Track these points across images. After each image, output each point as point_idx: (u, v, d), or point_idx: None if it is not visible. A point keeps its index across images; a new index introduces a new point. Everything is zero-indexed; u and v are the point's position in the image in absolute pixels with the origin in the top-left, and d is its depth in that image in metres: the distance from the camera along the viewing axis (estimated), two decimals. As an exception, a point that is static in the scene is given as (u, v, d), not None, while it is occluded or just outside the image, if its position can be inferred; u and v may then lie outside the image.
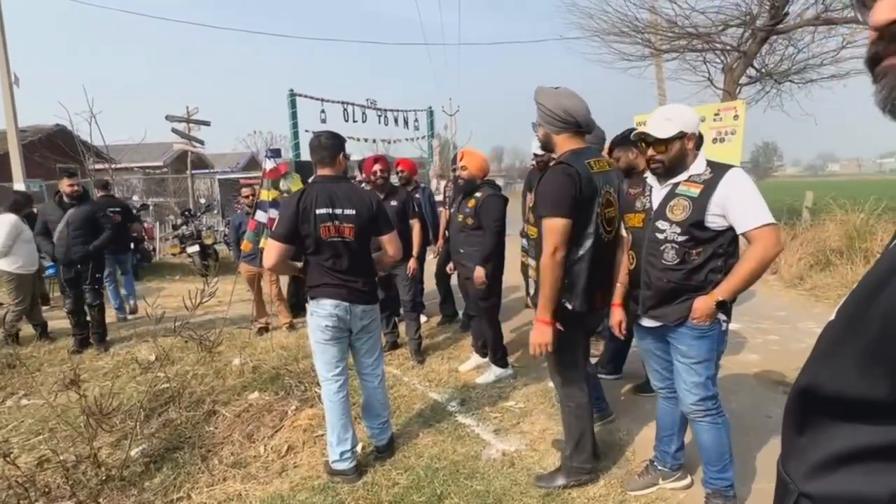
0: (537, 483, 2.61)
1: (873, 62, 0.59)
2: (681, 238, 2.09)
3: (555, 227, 2.17)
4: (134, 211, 10.52)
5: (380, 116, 13.35)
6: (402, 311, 4.65)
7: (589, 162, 2.25)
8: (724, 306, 2.11)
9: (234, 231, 5.64)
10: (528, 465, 2.82)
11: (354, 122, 12.56)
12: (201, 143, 12.83)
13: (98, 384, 4.12)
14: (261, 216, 5.09)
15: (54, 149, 13.06)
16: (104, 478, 2.88)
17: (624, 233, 2.42)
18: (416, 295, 4.67)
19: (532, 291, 2.41)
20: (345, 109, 12.35)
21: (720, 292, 2.06)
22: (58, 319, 5.71)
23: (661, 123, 2.10)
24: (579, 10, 10.43)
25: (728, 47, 9.46)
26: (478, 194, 3.79)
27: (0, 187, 11.37)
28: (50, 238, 4.92)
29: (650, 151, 2.14)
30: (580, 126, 2.27)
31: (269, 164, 5.10)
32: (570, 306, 2.29)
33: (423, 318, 5.37)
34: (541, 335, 2.27)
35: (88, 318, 5.11)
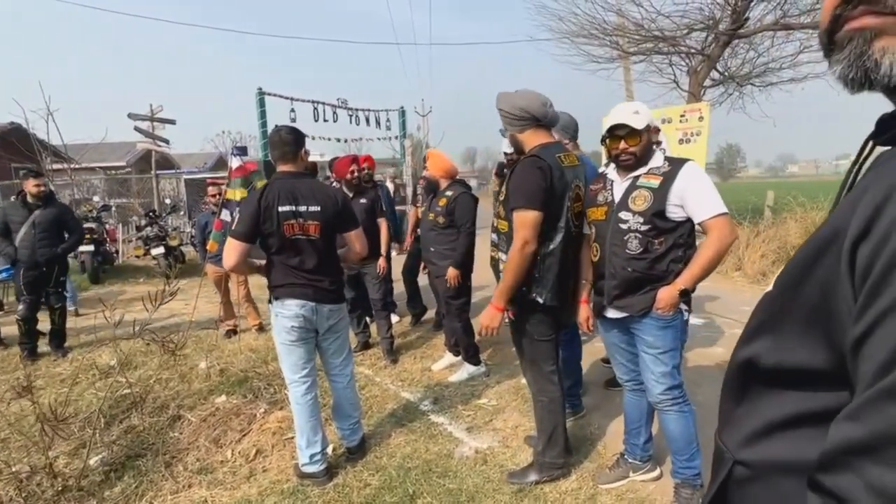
0: (510, 479, 2.61)
1: (831, 32, 0.57)
2: (644, 227, 2.14)
3: (526, 220, 2.21)
4: (94, 212, 10.18)
5: (351, 116, 13.20)
6: (373, 310, 4.60)
7: (559, 156, 2.29)
8: (687, 295, 2.17)
9: (201, 231, 5.49)
10: (501, 461, 2.82)
11: (325, 121, 12.38)
12: (166, 142, 12.46)
13: (55, 391, 3.95)
14: (226, 216, 4.96)
15: (8, 147, 12.49)
16: (60, 488, 2.75)
17: (587, 229, 2.44)
18: (386, 294, 4.63)
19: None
20: (315, 109, 12.17)
21: (682, 281, 2.13)
22: (12, 325, 5.46)
23: (633, 116, 2.13)
24: (549, 12, 10.51)
25: (692, 50, 9.70)
26: (449, 193, 3.78)
27: (-51, 188, 10.82)
28: (10, 239, 4.69)
29: (622, 144, 2.16)
30: (538, 120, 2.33)
31: (235, 163, 4.98)
32: (540, 300, 2.32)
33: (394, 318, 5.33)
34: (490, 319, 2.35)
35: (38, 326, 4.89)
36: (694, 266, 2.12)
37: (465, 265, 3.77)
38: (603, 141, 2.25)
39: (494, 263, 2.52)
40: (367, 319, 4.82)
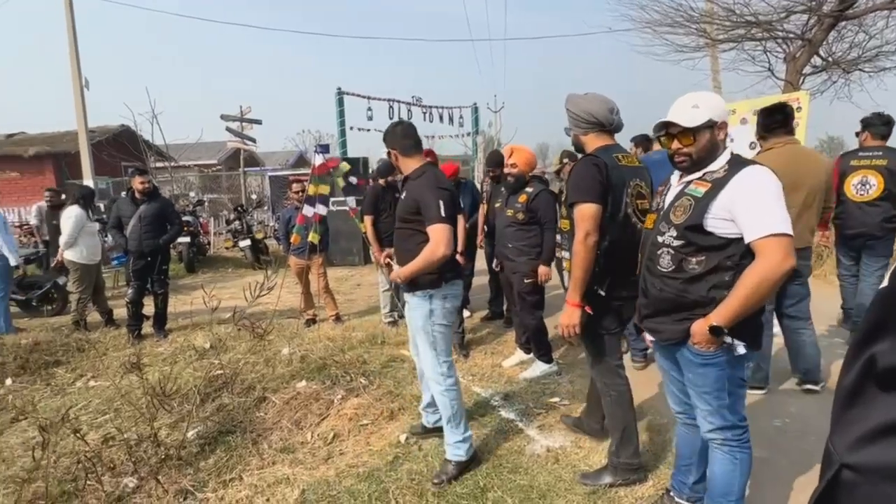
0: (582, 481, 2.56)
1: None
2: (676, 242, 1.86)
3: (586, 213, 2.24)
4: (190, 207, 11.05)
5: (425, 113, 13.45)
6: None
7: (617, 156, 2.35)
8: (719, 334, 1.79)
9: (284, 225, 5.81)
10: (573, 461, 2.77)
11: (400, 119, 12.71)
12: (253, 141, 13.28)
13: (158, 369, 4.33)
14: (309, 211, 5.23)
15: (119, 147, 13.84)
16: (163, 456, 3.03)
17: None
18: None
19: (567, 284, 2.45)
20: (391, 107, 12.52)
21: (715, 315, 1.78)
22: (122, 308, 6.06)
23: (688, 111, 1.86)
24: (630, 1, 10.09)
25: (791, 35, 8.95)
26: (528, 189, 3.74)
27: (72, 183, 12.17)
28: (122, 231, 5.22)
29: (675, 144, 1.89)
30: (604, 126, 2.41)
31: (318, 160, 5.24)
32: (603, 293, 2.35)
33: (466, 314, 5.37)
34: (569, 317, 2.34)
35: (143, 310, 5.39)
36: (731, 298, 1.75)
37: (551, 262, 3.73)
38: (658, 139, 2.00)
39: (558, 262, 2.56)
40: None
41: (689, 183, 1.91)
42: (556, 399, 3.53)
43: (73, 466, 2.98)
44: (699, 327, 1.82)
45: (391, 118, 12.48)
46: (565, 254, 2.47)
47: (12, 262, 5.61)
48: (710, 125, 1.85)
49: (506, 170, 3.85)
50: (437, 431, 3.00)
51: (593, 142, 2.43)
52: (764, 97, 7.90)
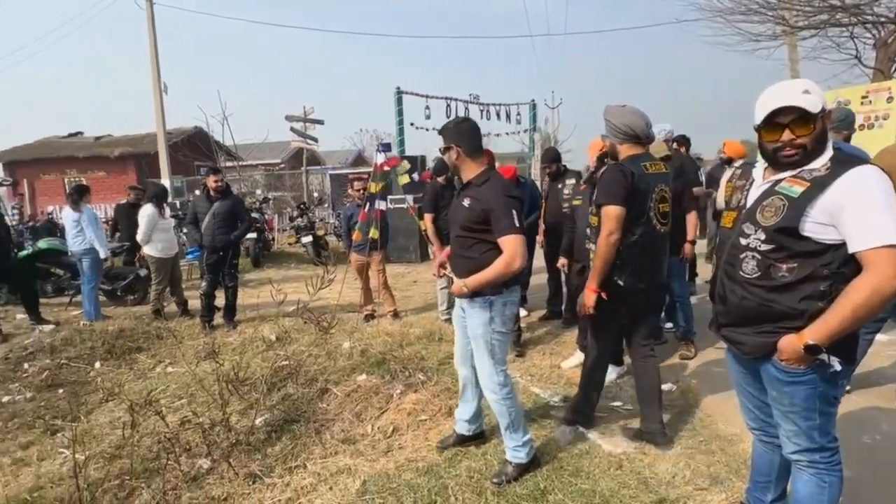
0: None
1: None
2: (764, 246, 1.68)
3: (611, 214, 2.57)
4: (257, 204, 11.57)
5: (482, 111, 13.39)
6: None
7: (644, 164, 2.66)
8: (816, 353, 1.60)
9: (346, 222, 5.96)
10: (638, 468, 2.68)
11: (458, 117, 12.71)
12: (315, 140, 13.72)
13: (228, 358, 4.57)
14: (370, 208, 5.34)
15: (193, 148, 14.70)
16: (234, 441, 3.19)
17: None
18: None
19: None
20: (448, 105, 12.55)
21: (810, 332, 1.59)
22: (196, 299, 6.43)
23: (803, 96, 1.63)
24: (700, -11, 9.62)
25: (882, 19, 8.25)
26: None
27: (151, 182, 13.06)
28: (198, 227, 5.55)
29: (786, 134, 1.66)
30: (639, 138, 2.70)
31: (380, 159, 5.34)
32: (620, 283, 2.68)
33: (523, 312, 5.32)
34: (586, 298, 2.72)
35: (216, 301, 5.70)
36: (831, 314, 1.56)
37: None
38: (758, 131, 1.75)
39: (586, 254, 2.97)
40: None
41: (779, 180, 1.71)
42: (617, 403, 3.42)
43: (154, 446, 3.20)
44: (790, 343, 1.65)
45: (448, 116, 12.53)
46: (592, 245, 2.83)
47: (102, 255, 6.09)
48: (822, 113, 1.65)
49: (593, 164, 3.68)
50: (475, 440, 2.97)
51: (626, 151, 2.72)
52: (850, 87, 7.31)
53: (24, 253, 6.84)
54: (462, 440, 2.94)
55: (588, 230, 2.99)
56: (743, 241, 1.76)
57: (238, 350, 4.83)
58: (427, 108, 12.21)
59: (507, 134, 14.86)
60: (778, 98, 1.67)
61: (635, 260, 2.66)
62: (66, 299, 6.99)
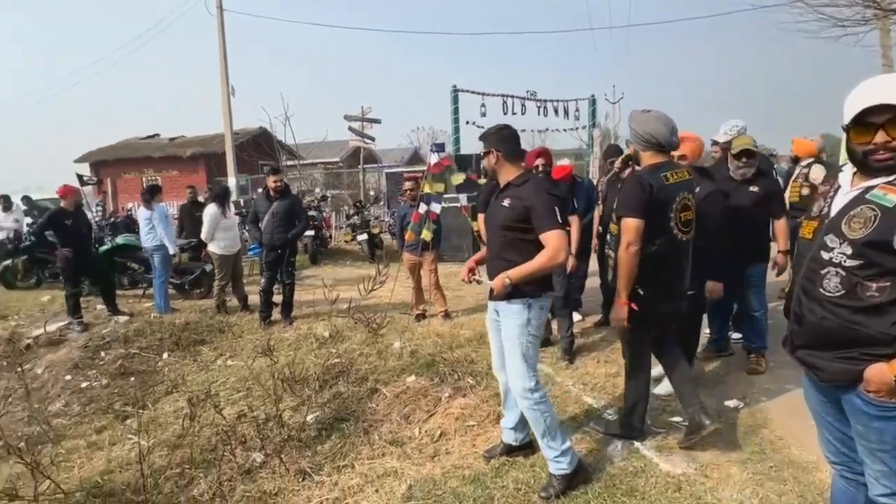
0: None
1: None
2: (850, 262, 1.52)
3: (629, 226, 2.56)
4: (315, 202, 11.90)
5: (539, 107, 13.16)
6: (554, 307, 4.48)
7: (665, 174, 2.63)
8: None
9: (399, 222, 6.00)
10: (698, 492, 2.50)
11: (514, 114, 12.57)
12: (372, 139, 13.94)
13: (283, 354, 4.70)
14: (423, 209, 5.33)
15: (257, 147, 15.34)
16: (286, 437, 3.27)
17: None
18: (570, 291, 4.46)
19: (610, 277, 2.85)
20: (504, 102, 12.42)
21: None
22: (255, 294, 6.68)
23: None
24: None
25: None
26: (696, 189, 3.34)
27: (217, 181, 13.73)
28: (258, 225, 5.76)
29: (879, 136, 1.48)
30: (662, 146, 2.65)
31: (433, 159, 5.33)
32: (642, 293, 2.65)
33: (577, 317, 5.15)
34: (617, 312, 2.69)
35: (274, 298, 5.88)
36: None
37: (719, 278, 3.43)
38: (846, 131, 1.58)
39: (604, 260, 3.06)
40: (549, 316, 4.73)
41: (870, 187, 1.54)
42: (677, 419, 3.22)
43: (213, 437, 3.33)
44: (879, 373, 1.48)
45: (505, 114, 12.38)
46: (611, 252, 2.83)
47: (171, 251, 6.45)
48: None
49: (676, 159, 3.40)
50: (522, 450, 2.87)
51: (648, 159, 2.70)
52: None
53: (104, 248, 7.38)
54: (509, 450, 2.86)
55: (608, 237, 3.00)
56: (825, 255, 1.59)
57: (293, 346, 4.97)
58: (483, 105, 12.12)
59: (564, 130, 14.54)
60: (871, 95, 1.49)
61: (656, 271, 2.66)
62: (139, 292, 7.45)
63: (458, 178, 5.42)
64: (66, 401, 4.29)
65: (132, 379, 4.58)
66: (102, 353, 5.08)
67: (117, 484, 3.01)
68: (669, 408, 3.37)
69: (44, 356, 5.16)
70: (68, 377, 4.66)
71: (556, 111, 13.46)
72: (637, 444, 2.95)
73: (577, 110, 13.89)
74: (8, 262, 8.44)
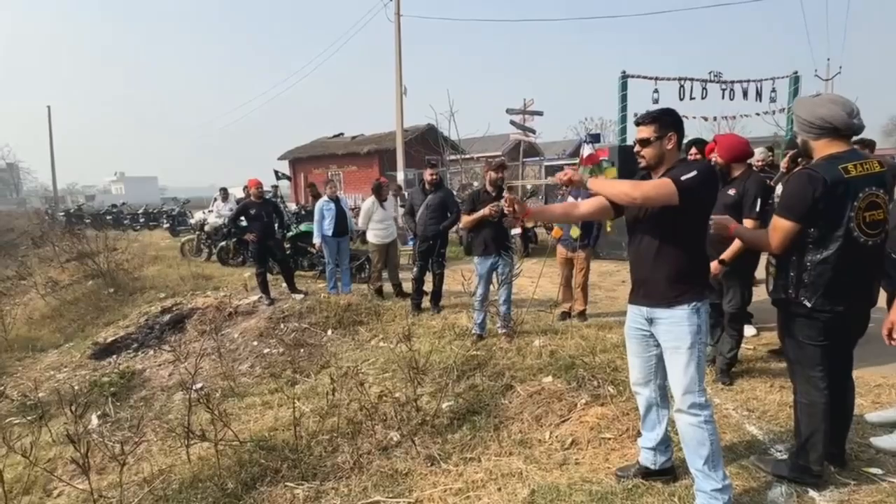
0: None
1: None
2: None
3: (779, 226, 2.31)
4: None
5: (724, 90, 11.63)
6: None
7: (846, 166, 2.22)
8: None
9: (549, 215, 5.82)
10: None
11: (692, 99, 11.32)
12: (533, 132, 13.78)
13: (428, 341, 4.90)
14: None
15: (424, 143, 16.28)
16: (420, 421, 3.41)
17: None
18: (742, 304, 3.81)
19: (771, 288, 2.51)
20: (681, 86, 11.24)
21: None
22: (408, 282, 7.09)
23: None
24: None
25: None
26: None
27: (389, 175, 14.91)
28: (414, 217, 6.11)
29: None
30: (839, 131, 2.26)
31: (587, 150, 5.06)
32: (808, 304, 2.32)
33: (750, 331, 4.45)
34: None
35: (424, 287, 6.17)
36: None
37: None
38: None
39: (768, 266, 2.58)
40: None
41: None
42: (875, 470, 2.57)
43: (357, 412, 3.62)
44: None
45: (681, 99, 11.23)
46: (771, 258, 2.53)
47: (315, 241, 7.18)
48: None
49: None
50: (661, 475, 2.55)
51: (823, 149, 2.31)
52: None
53: (290, 234, 8.51)
54: (645, 473, 2.57)
55: None
56: None
57: (438, 334, 5.15)
58: (655, 90, 11.13)
59: (756, 115, 12.63)
60: None
61: (828, 280, 2.28)
62: (315, 273, 8.46)
63: (612, 172, 5.06)
64: (252, 363, 5.06)
65: (302, 350, 5.22)
66: (282, 325, 5.88)
67: (279, 441, 3.44)
68: (866, 455, 2.72)
69: (240, 323, 6.15)
70: (255, 343, 5.48)
71: (745, 94, 11.77)
72: (812, 492, 2.43)
73: (773, 91, 11.96)
74: (223, 243, 10.27)
